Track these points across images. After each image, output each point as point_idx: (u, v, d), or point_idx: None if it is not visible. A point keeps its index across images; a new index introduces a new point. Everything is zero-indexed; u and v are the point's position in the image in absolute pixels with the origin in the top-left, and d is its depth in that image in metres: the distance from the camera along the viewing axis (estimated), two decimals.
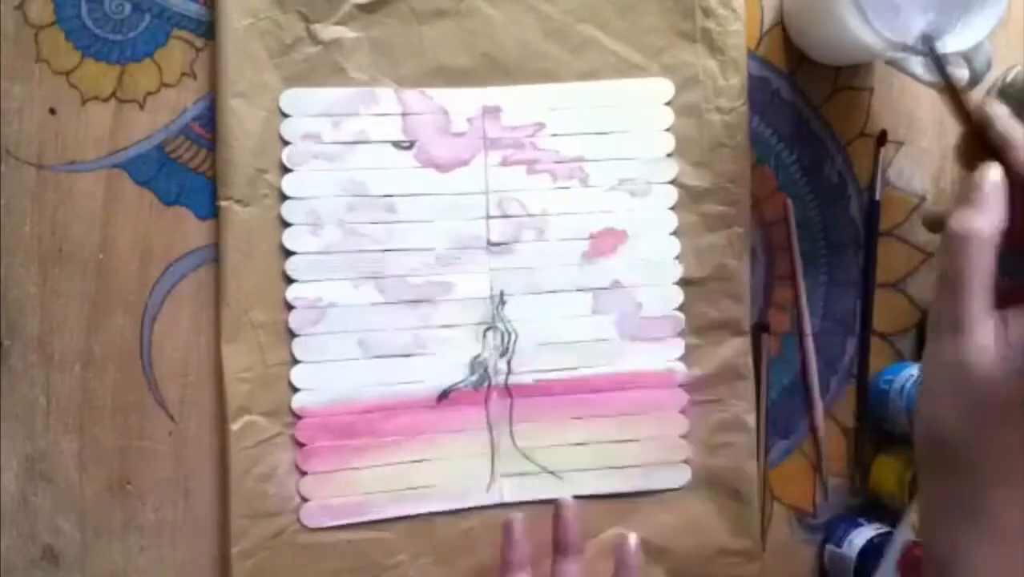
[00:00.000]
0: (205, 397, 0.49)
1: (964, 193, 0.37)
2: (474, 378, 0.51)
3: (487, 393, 0.51)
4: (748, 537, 0.53)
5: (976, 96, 0.54)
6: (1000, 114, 0.38)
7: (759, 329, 0.54)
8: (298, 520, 0.49)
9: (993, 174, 0.37)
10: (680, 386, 0.52)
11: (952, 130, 0.55)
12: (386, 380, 0.50)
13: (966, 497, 0.36)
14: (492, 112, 0.51)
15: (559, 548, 0.48)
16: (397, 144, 0.50)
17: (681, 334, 0.52)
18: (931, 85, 0.52)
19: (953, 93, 0.41)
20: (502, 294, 0.51)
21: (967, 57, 0.47)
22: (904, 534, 0.49)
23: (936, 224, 0.40)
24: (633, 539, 0.49)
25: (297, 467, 0.49)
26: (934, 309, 0.37)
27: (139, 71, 0.49)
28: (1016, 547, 0.36)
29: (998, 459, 0.36)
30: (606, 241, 0.52)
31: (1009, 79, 0.54)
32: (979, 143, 0.39)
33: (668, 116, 0.52)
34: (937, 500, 0.37)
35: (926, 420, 0.37)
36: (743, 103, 0.53)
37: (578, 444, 0.51)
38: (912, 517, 0.49)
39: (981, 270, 0.35)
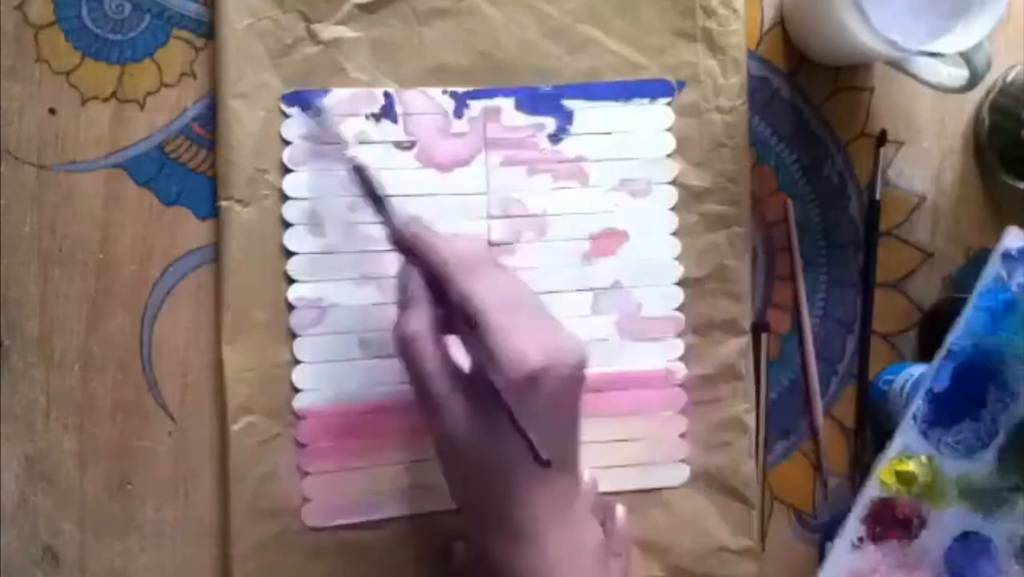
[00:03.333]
0: (205, 397, 0.49)
1: (398, 298, 0.42)
2: None
3: None
4: (747, 536, 0.53)
5: (976, 96, 0.54)
6: (418, 232, 0.42)
7: (759, 329, 0.54)
8: (299, 520, 0.49)
9: (413, 275, 0.42)
10: (680, 386, 0.53)
11: (952, 130, 0.56)
12: (387, 380, 0.50)
13: (514, 535, 0.41)
14: (492, 112, 0.51)
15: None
16: (398, 144, 0.50)
17: (681, 334, 0.52)
18: (931, 85, 0.52)
19: None
20: None
21: (967, 57, 0.47)
22: (871, 489, 0.50)
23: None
24: (621, 510, 0.51)
25: (298, 467, 0.49)
26: (415, 399, 0.42)
27: (139, 71, 0.49)
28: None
29: (526, 500, 0.41)
30: (607, 241, 0.52)
31: (1009, 79, 0.54)
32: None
33: (668, 116, 0.52)
34: (492, 542, 0.42)
35: (457, 499, 0.44)
36: (743, 103, 0.53)
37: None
38: (880, 473, 0.50)
39: (432, 359, 0.40)
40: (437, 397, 0.40)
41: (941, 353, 0.49)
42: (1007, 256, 0.49)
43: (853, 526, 0.50)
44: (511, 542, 0.41)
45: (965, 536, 0.50)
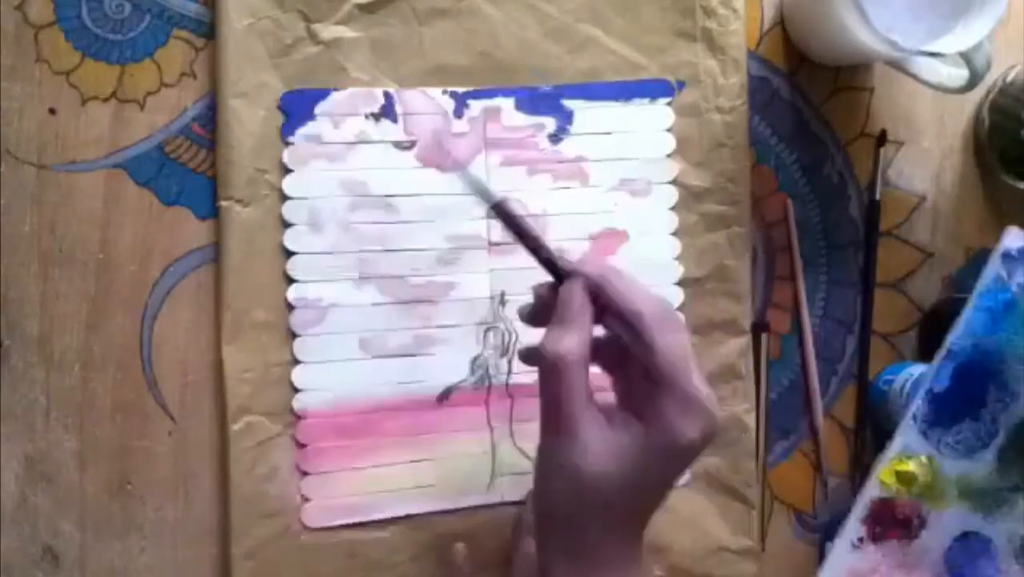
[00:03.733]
0: (205, 397, 0.49)
1: (557, 314, 0.40)
2: (474, 378, 0.51)
3: (487, 393, 0.51)
4: (747, 536, 0.53)
5: (976, 96, 0.54)
6: (608, 275, 0.40)
7: (759, 329, 0.54)
8: (299, 520, 0.49)
9: (577, 293, 0.40)
10: None
11: (952, 130, 0.56)
12: (387, 380, 0.50)
13: (584, 568, 0.41)
14: (493, 112, 0.51)
15: None
16: (398, 144, 0.50)
17: None
18: (931, 85, 0.52)
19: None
20: (503, 294, 0.51)
21: (967, 57, 0.47)
22: (871, 489, 0.50)
23: (530, 357, 0.44)
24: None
25: (298, 467, 0.49)
26: (542, 412, 0.40)
27: (139, 71, 0.49)
28: None
29: (608, 543, 0.40)
30: (607, 241, 0.52)
31: (1009, 79, 0.54)
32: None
33: (669, 116, 0.52)
34: (559, 564, 0.41)
35: (542, 512, 0.42)
36: (743, 102, 0.53)
37: None
38: (880, 473, 0.50)
39: (577, 383, 0.39)
40: (574, 420, 0.39)
41: (941, 353, 0.50)
42: (1007, 256, 0.49)
43: (853, 526, 0.50)
44: (585, 572, 0.41)
45: (965, 536, 0.50)
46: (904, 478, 0.49)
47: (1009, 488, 0.50)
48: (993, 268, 0.49)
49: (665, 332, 0.39)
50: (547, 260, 0.42)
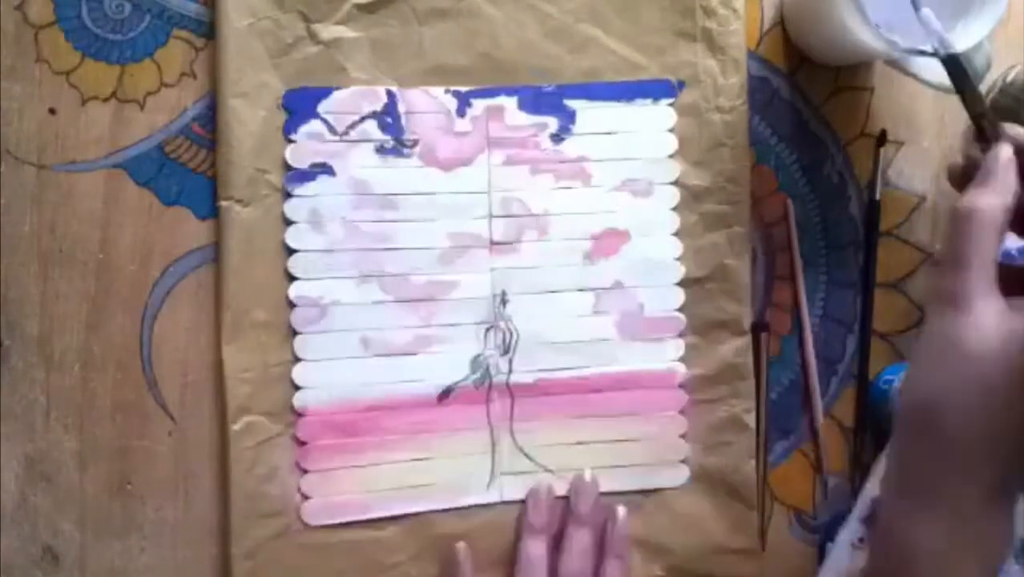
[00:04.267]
0: (205, 397, 0.49)
1: (979, 174, 0.38)
2: (475, 377, 0.51)
3: (488, 392, 0.51)
4: (747, 536, 0.53)
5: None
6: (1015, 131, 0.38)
7: (759, 329, 0.54)
8: (299, 519, 0.49)
9: (1005, 153, 0.37)
10: (680, 386, 0.53)
11: (952, 130, 0.56)
12: (388, 378, 0.50)
13: (938, 470, 0.36)
14: (495, 112, 0.51)
15: (573, 517, 0.48)
16: (400, 142, 0.50)
17: (682, 334, 0.52)
18: (931, 85, 0.52)
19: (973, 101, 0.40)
20: (504, 293, 0.51)
21: (967, 57, 0.47)
22: (871, 489, 0.50)
23: (955, 178, 0.40)
24: (621, 510, 0.50)
25: (298, 465, 0.49)
26: (934, 283, 0.37)
27: (139, 71, 0.49)
28: (969, 526, 0.36)
29: (986, 438, 0.35)
30: (608, 241, 0.52)
31: (1009, 79, 0.54)
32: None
33: (671, 117, 0.52)
34: (906, 469, 0.37)
35: (914, 389, 0.37)
36: (743, 102, 0.53)
37: (578, 443, 0.51)
38: (880, 472, 0.49)
39: (985, 248, 0.36)
40: (971, 286, 0.35)
41: None
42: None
43: (853, 526, 0.50)
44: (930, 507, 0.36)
45: None
46: None
47: None
48: None
49: None
50: (978, 118, 0.40)
